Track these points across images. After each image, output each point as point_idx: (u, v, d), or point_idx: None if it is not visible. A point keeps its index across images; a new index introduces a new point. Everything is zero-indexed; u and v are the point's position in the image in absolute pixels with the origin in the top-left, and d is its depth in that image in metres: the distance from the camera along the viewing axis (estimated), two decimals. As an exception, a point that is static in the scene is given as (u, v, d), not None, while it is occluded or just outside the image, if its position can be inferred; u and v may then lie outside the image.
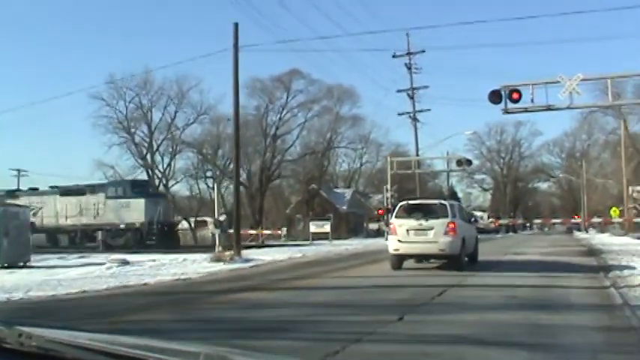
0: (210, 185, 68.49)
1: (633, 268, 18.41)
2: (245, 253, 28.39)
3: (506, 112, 32.37)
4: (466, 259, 20.21)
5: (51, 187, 54.87)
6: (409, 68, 57.16)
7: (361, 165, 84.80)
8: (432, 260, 20.27)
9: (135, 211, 43.22)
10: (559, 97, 31.03)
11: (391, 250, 19.40)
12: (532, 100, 31.39)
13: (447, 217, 18.92)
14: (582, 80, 30.90)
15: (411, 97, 57.15)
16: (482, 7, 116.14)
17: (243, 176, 70.41)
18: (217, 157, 68.37)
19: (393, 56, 57.37)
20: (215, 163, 67.52)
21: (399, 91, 57.79)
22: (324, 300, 12.97)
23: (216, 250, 26.99)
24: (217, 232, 30.25)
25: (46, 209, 46.93)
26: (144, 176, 65.93)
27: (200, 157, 70.42)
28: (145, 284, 16.95)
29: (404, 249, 19.13)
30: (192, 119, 69.47)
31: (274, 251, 32.09)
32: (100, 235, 44.44)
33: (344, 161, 79.32)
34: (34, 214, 44.90)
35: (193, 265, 23.13)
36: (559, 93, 30.74)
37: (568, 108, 32.75)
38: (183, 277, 18.95)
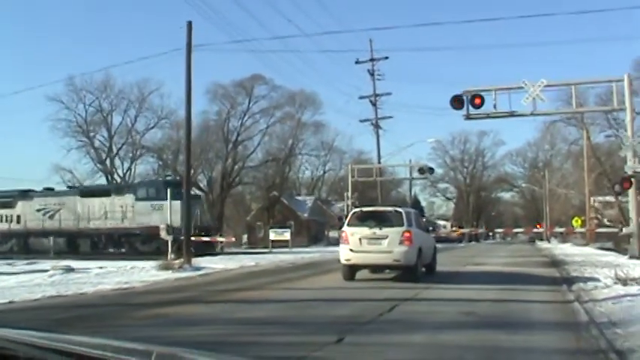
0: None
1: (597, 280, 17.78)
2: (197, 261, 27.30)
3: (468, 117, 31.59)
4: (423, 269, 19.17)
5: (69, 187, 53.24)
6: (372, 75, 56.30)
7: (324, 172, 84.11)
8: (388, 271, 19.14)
9: (171, 214, 40.08)
10: (522, 104, 30.47)
11: (343, 260, 18.24)
12: (495, 107, 30.74)
13: (402, 225, 17.80)
14: (546, 86, 30.24)
15: (374, 104, 56.26)
16: (447, 12, 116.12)
17: (204, 182, 69.57)
18: (178, 162, 67.09)
19: (356, 62, 56.59)
20: (175, 169, 66.22)
21: (361, 97, 56.95)
22: (261, 316, 11.76)
23: (168, 257, 26.30)
24: (169, 238, 29.12)
25: (64, 211, 44.11)
26: (103, 181, 64.73)
27: (160, 163, 69.58)
28: (82, 294, 16.05)
29: (356, 259, 17.98)
30: (153, 124, 69.12)
31: (228, 259, 31.04)
32: (126, 240, 41.79)
33: (307, 168, 78.56)
34: (50, 217, 43.74)
35: (140, 274, 22.22)
36: (522, 99, 30.16)
37: (532, 115, 32.11)
38: (125, 286, 18.04)
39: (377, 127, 56.45)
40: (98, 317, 11.96)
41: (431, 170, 54.65)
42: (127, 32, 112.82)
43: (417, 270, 18.09)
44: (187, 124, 29.65)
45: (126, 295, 16.21)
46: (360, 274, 18.75)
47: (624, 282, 15.63)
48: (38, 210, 45.60)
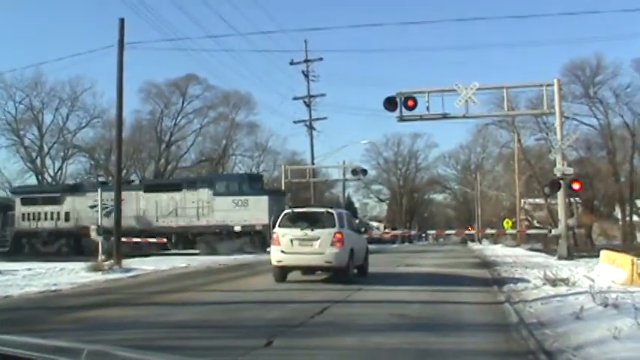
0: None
1: (527, 281, 17.98)
2: (127, 262, 26.64)
3: (402, 119, 31.72)
4: (355, 271, 19.03)
5: (129, 181, 49.63)
6: (306, 76, 56.25)
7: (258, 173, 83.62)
8: (319, 272, 18.96)
9: (256, 211, 36.84)
10: (455, 107, 30.74)
11: (274, 262, 17.97)
12: (428, 109, 30.93)
13: (334, 226, 17.63)
14: (478, 89, 30.56)
15: (308, 105, 56.25)
16: (382, 13, 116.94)
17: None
18: (110, 162, 66.02)
19: (291, 63, 56.50)
20: (107, 168, 65.13)
21: (295, 98, 56.83)
22: (189, 318, 11.43)
23: (99, 258, 25.61)
24: (100, 239, 28.50)
25: (125, 207, 38.57)
26: (33, 181, 63.11)
27: (92, 162, 68.44)
28: (7, 297, 15.39)
29: (287, 260, 17.73)
30: (85, 122, 67.78)
31: (160, 260, 30.37)
32: (202, 239, 38.74)
33: (240, 169, 77.75)
34: (107, 214, 39.12)
35: (69, 276, 21.44)
36: (455, 102, 30.41)
37: (464, 117, 32.42)
38: (53, 288, 17.42)
39: (311, 128, 56.49)
40: (23, 321, 11.47)
41: (364, 172, 54.99)
42: (60, 29, 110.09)
43: (348, 271, 17.95)
44: (118, 123, 29.01)
45: (53, 297, 15.69)
46: (291, 276, 18.52)
47: (553, 283, 15.81)
48: (92, 206, 41.21)
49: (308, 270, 18.88)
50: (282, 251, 17.67)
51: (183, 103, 70.31)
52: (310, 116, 56.44)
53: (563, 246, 29.30)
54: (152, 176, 67.33)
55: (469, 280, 20.12)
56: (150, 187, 42.34)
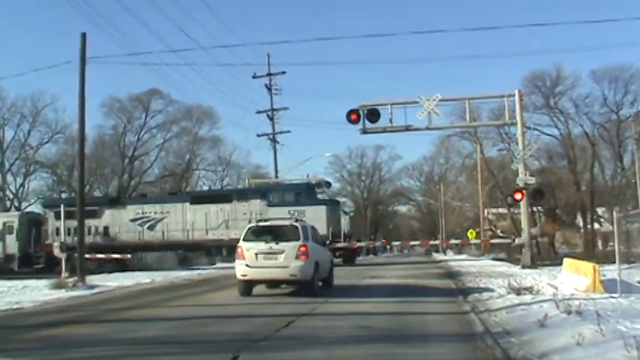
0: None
1: (492, 290, 18.07)
2: (91, 278, 26.39)
3: (365, 131, 31.87)
4: (320, 284, 18.97)
5: (171, 193, 48.43)
6: (269, 89, 56.24)
7: (222, 187, 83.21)
8: (285, 286, 18.86)
9: (314, 221, 33.09)
10: (418, 118, 30.95)
11: (239, 276, 17.83)
12: (391, 121, 31.12)
13: (298, 239, 17.56)
14: (441, 101, 30.83)
15: (271, 119, 56.17)
16: (346, 27, 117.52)
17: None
18: (73, 177, 65.19)
19: (254, 77, 56.42)
20: (70, 184, 64.32)
21: (258, 112, 56.76)
22: (153, 334, 11.27)
23: (62, 275, 25.27)
24: (63, 256, 28.10)
25: (170, 220, 39.45)
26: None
27: (55, 178, 67.60)
28: None
29: (252, 274, 17.62)
30: (47, 138, 66.92)
31: (124, 277, 30.01)
32: None
33: (204, 183, 77.38)
34: (151, 227, 39.20)
35: (32, 293, 21.15)
36: (418, 114, 30.63)
37: (427, 129, 32.67)
38: (15, 306, 17.10)
39: (274, 141, 56.42)
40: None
41: (328, 184, 54.92)
42: (19, 44, 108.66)
43: (314, 284, 17.89)
44: (81, 139, 28.71)
45: (15, 316, 15.42)
46: (256, 290, 18.41)
47: (517, 291, 15.90)
48: (133, 220, 40.59)
49: (273, 284, 18.78)
50: (247, 265, 17.54)
51: (146, 117, 70.01)
52: (273, 129, 56.48)
53: (527, 255, 29.57)
54: (115, 192, 66.71)
55: (434, 290, 20.14)
56: (197, 199, 40.78)
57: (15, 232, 41.14)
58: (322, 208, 36.83)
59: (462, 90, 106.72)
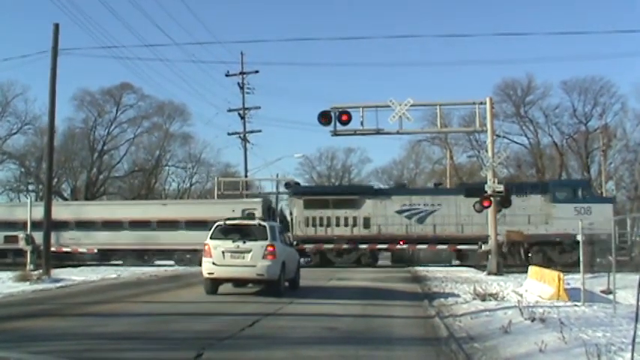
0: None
1: (457, 295, 18.20)
2: (57, 272, 26.18)
3: (336, 134, 31.88)
4: (287, 284, 18.94)
5: (436, 184, 46.33)
6: (242, 88, 55.92)
7: (191, 185, 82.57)
8: (251, 285, 18.79)
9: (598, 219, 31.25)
10: (389, 122, 31.01)
11: (205, 274, 17.73)
12: (362, 124, 31.15)
13: (266, 239, 17.51)
14: (412, 106, 30.90)
15: (243, 118, 55.88)
16: (321, 29, 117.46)
17: (68, 191, 67.33)
18: (41, 169, 64.45)
19: (227, 75, 56.08)
20: (38, 176, 63.53)
21: (230, 110, 56.44)
22: (118, 330, 11.18)
23: (27, 268, 25.30)
24: (29, 248, 27.78)
25: (441, 214, 37.41)
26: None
27: (23, 170, 66.74)
28: None
29: (219, 272, 17.53)
30: (16, 129, 65.87)
31: (90, 271, 29.79)
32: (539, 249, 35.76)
33: (174, 180, 76.75)
34: (420, 220, 37.43)
35: (-5, 286, 20.86)
36: (389, 117, 30.69)
37: (397, 133, 32.73)
38: (-23, 299, 16.83)
39: (245, 140, 56.15)
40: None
41: (297, 185, 54.95)
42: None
43: (280, 284, 17.86)
44: (50, 131, 28.52)
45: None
46: (222, 288, 18.32)
47: (483, 297, 16.02)
48: (399, 212, 38.44)
49: (239, 282, 18.69)
50: (214, 263, 17.45)
51: (117, 112, 69.22)
52: (245, 129, 56.15)
53: (493, 262, 29.76)
54: (84, 185, 66.08)
55: (400, 294, 20.19)
56: (472, 192, 36.38)
57: None
58: (609, 206, 35.21)
59: (434, 96, 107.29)
